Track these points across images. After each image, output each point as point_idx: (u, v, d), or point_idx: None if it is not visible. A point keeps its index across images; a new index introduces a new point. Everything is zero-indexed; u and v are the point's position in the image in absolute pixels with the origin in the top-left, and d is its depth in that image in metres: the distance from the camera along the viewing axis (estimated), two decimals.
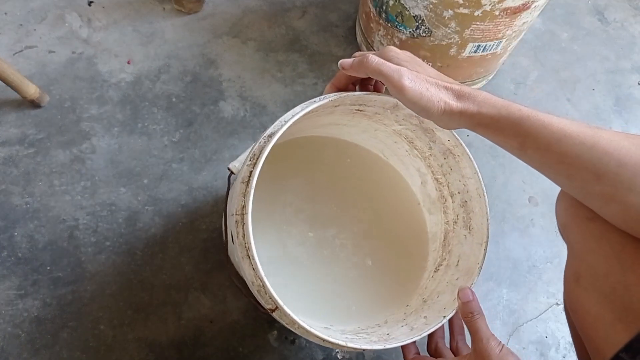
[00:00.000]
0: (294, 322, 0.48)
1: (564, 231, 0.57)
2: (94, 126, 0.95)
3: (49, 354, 0.76)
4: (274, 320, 0.81)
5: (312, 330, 0.49)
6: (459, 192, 0.67)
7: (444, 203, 0.71)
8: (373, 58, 0.48)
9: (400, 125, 0.68)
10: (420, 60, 0.52)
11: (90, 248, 0.84)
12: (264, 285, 0.48)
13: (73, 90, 0.98)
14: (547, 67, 1.16)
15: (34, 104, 0.94)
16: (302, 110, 0.52)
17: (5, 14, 1.06)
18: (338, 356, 0.80)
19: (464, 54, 0.92)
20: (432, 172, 0.71)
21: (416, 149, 0.71)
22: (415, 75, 0.46)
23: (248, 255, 0.49)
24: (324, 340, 0.50)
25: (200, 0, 1.11)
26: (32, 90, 0.91)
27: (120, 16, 1.09)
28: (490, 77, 1.09)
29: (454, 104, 0.45)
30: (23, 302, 0.79)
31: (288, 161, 0.76)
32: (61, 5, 1.09)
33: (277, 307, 0.49)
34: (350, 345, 0.51)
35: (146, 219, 0.87)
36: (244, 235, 0.49)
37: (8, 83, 0.88)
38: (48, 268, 0.82)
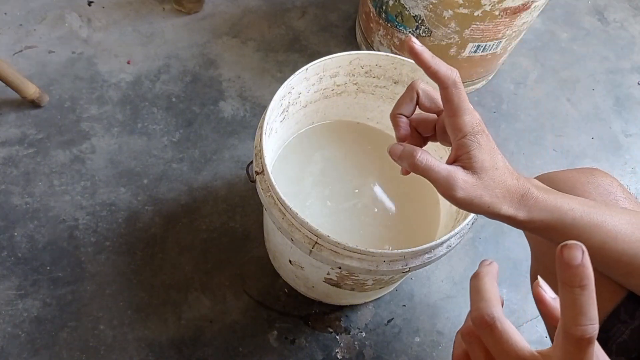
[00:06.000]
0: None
1: (526, 234, 0.57)
2: (94, 126, 0.95)
3: (49, 354, 0.76)
4: (274, 320, 0.81)
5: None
6: None
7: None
8: (423, 157, 0.40)
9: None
10: (489, 134, 0.43)
11: (90, 248, 0.84)
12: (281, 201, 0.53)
13: (73, 90, 0.98)
14: (547, 67, 1.16)
15: (34, 104, 0.94)
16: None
17: (5, 14, 1.06)
18: (338, 356, 0.80)
19: (463, 54, 0.92)
20: None
21: None
22: (468, 182, 0.40)
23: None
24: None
25: (200, 1, 1.11)
26: (32, 90, 0.91)
27: (120, 16, 1.09)
28: (490, 77, 1.09)
29: (505, 208, 0.40)
30: (23, 302, 0.79)
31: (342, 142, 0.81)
32: (61, 5, 1.09)
33: (317, 241, 0.53)
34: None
35: (146, 219, 0.87)
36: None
37: (8, 83, 0.88)
38: (48, 268, 0.82)
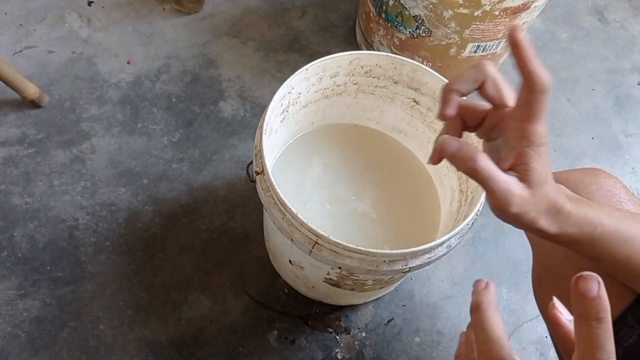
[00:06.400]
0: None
1: (527, 235, 0.57)
2: (94, 126, 0.95)
3: (49, 354, 0.76)
4: (274, 320, 0.81)
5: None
6: (471, 192, 0.68)
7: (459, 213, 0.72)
8: (485, 164, 0.36)
9: None
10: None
11: (90, 248, 0.84)
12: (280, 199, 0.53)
13: (73, 90, 0.98)
14: (547, 67, 1.16)
15: (34, 104, 0.94)
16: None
17: (5, 14, 1.06)
18: (338, 356, 0.80)
19: (463, 54, 0.92)
20: (460, 184, 0.72)
21: None
22: (524, 198, 0.37)
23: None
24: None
25: (200, 1, 1.11)
26: (32, 90, 0.91)
27: (120, 16, 1.09)
28: None
29: (541, 222, 0.39)
30: (23, 302, 0.79)
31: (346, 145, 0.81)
32: (61, 5, 1.09)
33: (317, 241, 0.52)
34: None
35: (146, 219, 0.87)
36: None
37: (8, 83, 0.88)
38: (48, 268, 0.82)
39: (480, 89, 0.39)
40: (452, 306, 0.86)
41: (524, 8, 0.82)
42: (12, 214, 0.85)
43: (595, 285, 0.26)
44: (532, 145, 0.36)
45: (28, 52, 1.02)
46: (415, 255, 0.55)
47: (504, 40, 0.90)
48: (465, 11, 0.81)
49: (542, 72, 0.35)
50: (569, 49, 1.20)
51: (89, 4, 1.10)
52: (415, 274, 0.88)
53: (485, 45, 0.90)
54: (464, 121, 0.42)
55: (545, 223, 0.38)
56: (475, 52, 0.91)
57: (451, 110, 0.39)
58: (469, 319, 0.93)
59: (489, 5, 0.79)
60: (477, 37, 0.87)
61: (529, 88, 0.35)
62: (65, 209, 0.87)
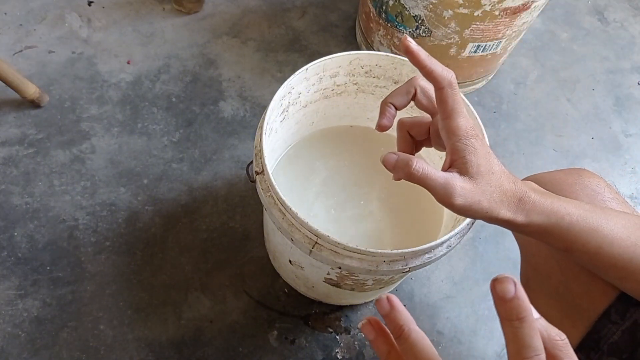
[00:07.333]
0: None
1: (515, 235, 0.57)
2: (94, 126, 0.95)
3: (49, 354, 0.76)
4: (274, 320, 0.81)
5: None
6: None
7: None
8: (419, 166, 0.38)
9: None
10: (483, 138, 0.43)
11: (90, 248, 0.84)
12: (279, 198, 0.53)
13: (73, 90, 0.98)
14: (547, 67, 1.16)
15: (34, 104, 0.94)
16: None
17: (5, 14, 1.07)
18: (338, 356, 0.80)
19: (463, 54, 0.92)
20: None
21: None
22: (465, 189, 0.38)
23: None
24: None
25: (200, 0, 1.11)
26: (32, 90, 0.91)
27: (120, 16, 1.09)
28: (490, 77, 1.09)
29: (503, 212, 0.40)
30: (23, 302, 0.79)
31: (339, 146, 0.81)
32: (61, 5, 1.09)
33: (317, 241, 0.53)
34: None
35: (146, 219, 0.87)
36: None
37: (8, 83, 0.88)
38: (48, 268, 0.82)
39: (415, 101, 0.44)
40: (452, 306, 0.86)
41: (524, 8, 0.82)
42: (12, 214, 0.85)
43: (512, 287, 0.27)
44: (462, 139, 0.38)
45: (28, 52, 1.02)
46: (415, 255, 0.55)
47: (504, 40, 0.91)
48: (465, 11, 0.81)
49: (441, 69, 0.38)
50: (569, 49, 1.20)
51: (89, 4, 1.10)
52: (415, 274, 0.88)
53: (485, 45, 0.90)
54: (412, 136, 0.46)
55: (509, 213, 0.40)
56: (475, 52, 0.91)
57: (386, 121, 0.44)
58: (469, 319, 0.94)
59: (489, 5, 0.79)
60: (477, 37, 0.87)
61: (436, 86, 0.39)
62: (65, 209, 0.87)
